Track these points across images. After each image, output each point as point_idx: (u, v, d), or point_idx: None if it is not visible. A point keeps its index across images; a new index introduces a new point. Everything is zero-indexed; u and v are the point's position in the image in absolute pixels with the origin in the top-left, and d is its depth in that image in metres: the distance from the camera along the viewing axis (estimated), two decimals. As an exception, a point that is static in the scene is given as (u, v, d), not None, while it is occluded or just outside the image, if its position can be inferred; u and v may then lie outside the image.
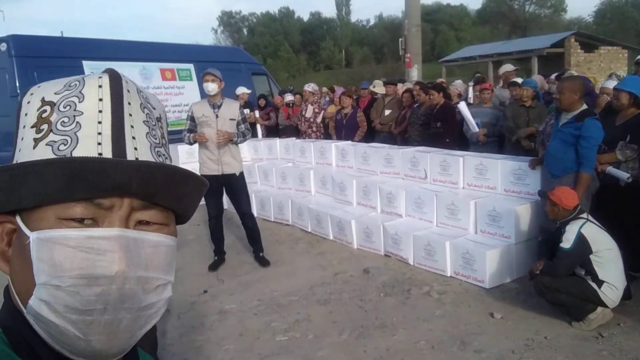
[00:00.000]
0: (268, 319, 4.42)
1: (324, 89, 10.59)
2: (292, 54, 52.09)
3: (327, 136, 9.03)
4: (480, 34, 43.41)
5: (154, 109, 0.72)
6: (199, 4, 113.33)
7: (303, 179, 7.41)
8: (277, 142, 8.43)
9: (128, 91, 0.67)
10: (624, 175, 4.56)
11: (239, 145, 5.56)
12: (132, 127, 0.65)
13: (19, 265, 0.62)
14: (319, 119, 9.19)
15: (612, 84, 5.81)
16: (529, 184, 5.25)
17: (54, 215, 0.60)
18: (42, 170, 0.59)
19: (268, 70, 13.74)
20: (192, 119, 5.41)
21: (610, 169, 4.65)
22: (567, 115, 4.61)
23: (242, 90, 9.80)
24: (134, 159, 0.64)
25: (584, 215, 4.12)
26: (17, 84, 7.71)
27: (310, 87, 9.50)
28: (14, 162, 0.65)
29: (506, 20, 46.72)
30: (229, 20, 61.65)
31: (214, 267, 5.63)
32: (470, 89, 7.32)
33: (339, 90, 10.44)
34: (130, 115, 0.66)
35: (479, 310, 4.45)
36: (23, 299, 0.62)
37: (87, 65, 8.57)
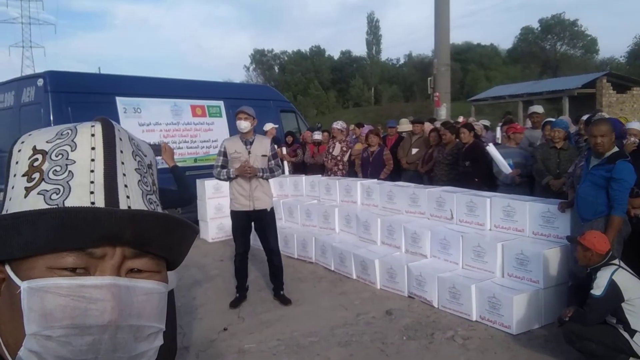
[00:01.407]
0: (287, 360, 4.34)
1: (351, 127, 10.61)
2: (322, 91, 52.69)
3: (352, 174, 9.02)
4: (510, 73, 43.31)
5: (145, 156, 0.72)
6: (232, 42, 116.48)
7: (327, 216, 7.37)
8: (303, 179, 8.45)
9: (120, 139, 0.67)
10: None
11: (269, 181, 5.59)
12: (124, 175, 0.65)
13: (8, 315, 0.61)
14: (346, 157, 9.20)
15: (637, 125, 5.68)
16: (558, 227, 5.11)
17: (45, 264, 0.59)
18: (34, 221, 0.58)
19: (297, 107, 13.90)
20: (224, 154, 5.47)
21: None
22: (598, 157, 4.51)
23: (269, 125, 9.91)
24: (126, 207, 0.63)
25: (616, 261, 3.98)
26: (52, 119, 7.92)
27: (338, 124, 9.55)
28: (4, 211, 0.64)
29: (537, 60, 46.62)
30: (261, 58, 62.90)
31: (235, 304, 5.58)
32: (499, 129, 7.24)
33: (366, 127, 10.47)
34: (123, 163, 0.66)
35: (505, 357, 4.29)
36: (11, 351, 0.61)
37: (120, 101, 8.79)
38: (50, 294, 0.58)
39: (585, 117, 7.21)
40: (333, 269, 6.73)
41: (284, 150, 10.22)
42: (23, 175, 0.64)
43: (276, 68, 62.66)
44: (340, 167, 9.18)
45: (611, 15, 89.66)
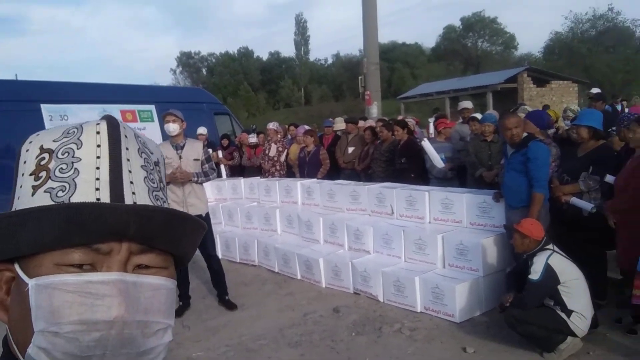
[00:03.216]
0: (238, 365, 4.29)
1: (291, 128, 10.61)
2: (252, 92, 52.32)
3: (290, 174, 9.01)
4: (435, 71, 44.56)
5: (152, 153, 0.72)
6: (157, 45, 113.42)
7: (269, 218, 7.34)
8: (242, 182, 8.36)
9: (126, 137, 0.67)
10: (588, 206, 4.67)
11: (204, 185, 5.49)
12: (130, 171, 0.66)
13: (17, 313, 0.62)
14: (282, 158, 9.19)
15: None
16: (493, 217, 5.32)
17: (52, 261, 0.60)
18: (40, 217, 0.59)
19: (228, 109, 13.73)
20: None
21: (574, 200, 4.77)
22: (513, 146, 4.83)
23: (199, 131, 9.76)
24: (131, 203, 0.64)
25: (550, 246, 4.19)
26: (-28, 128, 7.47)
27: (274, 125, 9.52)
28: (13, 209, 0.64)
29: (460, 57, 48.30)
30: (187, 61, 61.67)
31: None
32: (432, 125, 7.46)
33: (301, 128, 10.49)
34: (128, 160, 0.66)
35: (451, 345, 4.42)
36: (21, 348, 0.61)
37: (45, 108, 8.40)
38: (58, 291, 0.58)
39: (512, 111, 7.54)
40: (277, 271, 6.71)
41: (220, 153, 10.09)
42: (30, 175, 0.64)
43: (204, 70, 61.66)
44: (278, 167, 9.15)
45: (528, 12, 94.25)
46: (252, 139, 10.07)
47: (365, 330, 4.80)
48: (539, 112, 6.48)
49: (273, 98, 54.92)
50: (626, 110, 9.17)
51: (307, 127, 9.94)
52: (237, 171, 10.04)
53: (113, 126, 0.67)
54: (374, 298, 5.48)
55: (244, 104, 49.70)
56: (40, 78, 10.75)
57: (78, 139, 0.65)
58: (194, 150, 5.35)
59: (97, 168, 0.64)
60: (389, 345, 4.48)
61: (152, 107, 10.20)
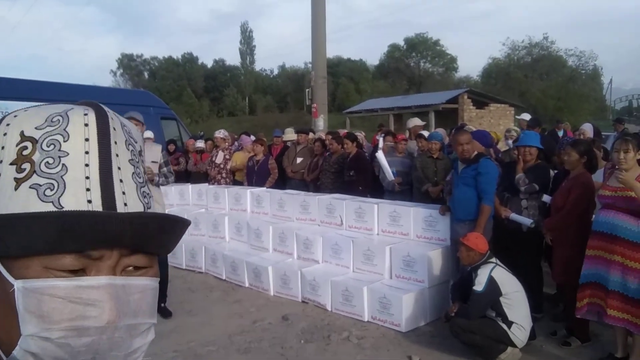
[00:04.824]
0: (187, 371, 4.26)
1: (243, 136, 10.59)
2: (195, 99, 51.58)
3: (235, 182, 9.01)
4: (380, 87, 45.45)
5: (136, 142, 0.69)
6: (96, 46, 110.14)
7: (217, 225, 7.31)
8: (189, 188, 8.29)
9: (114, 129, 0.64)
10: (527, 221, 4.95)
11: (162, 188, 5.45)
12: (119, 168, 0.63)
13: (0, 313, 0.59)
14: (229, 165, 9.18)
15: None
16: (439, 230, 5.53)
17: (41, 264, 0.57)
18: (32, 224, 0.56)
19: (175, 115, 13.55)
20: None
21: (514, 215, 5.04)
22: (464, 162, 5.09)
23: (146, 134, 9.58)
24: (122, 204, 0.61)
25: (493, 259, 4.42)
26: None
27: (221, 133, 9.50)
28: None
29: (403, 75, 49.50)
30: (129, 63, 60.08)
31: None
32: (381, 140, 7.67)
33: (248, 138, 10.51)
34: (117, 155, 0.63)
35: (397, 353, 4.56)
36: (5, 348, 0.59)
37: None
38: (47, 296, 0.56)
39: (454, 130, 7.87)
40: (224, 278, 6.69)
41: (168, 157, 9.93)
42: (11, 164, 0.60)
43: (146, 74, 60.30)
44: (224, 175, 9.12)
45: (469, 36, 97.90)
46: (199, 144, 10.00)
47: (314, 338, 4.87)
48: (482, 131, 6.81)
49: (217, 106, 54.32)
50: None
51: (253, 138, 9.98)
52: (182, 177, 9.91)
53: (102, 117, 0.63)
54: (322, 307, 5.56)
55: (186, 110, 48.85)
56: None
57: (64, 129, 0.61)
58: (153, 153, 5.32)
59: (87, 165, 0.61)
60: (338, 353, 4.57)
61: (96, 108, 9.92)
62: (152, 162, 5.30)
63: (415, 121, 7.98)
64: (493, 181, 4.97)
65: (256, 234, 6.74)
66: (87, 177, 0.60)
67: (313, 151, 8.69)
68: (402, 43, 51.85)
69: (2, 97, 8.52)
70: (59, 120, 0.62)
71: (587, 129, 7.15)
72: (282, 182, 8.77)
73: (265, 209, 7.11)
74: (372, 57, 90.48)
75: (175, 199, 8.29)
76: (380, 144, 7.49)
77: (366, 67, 56.21)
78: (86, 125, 0.62)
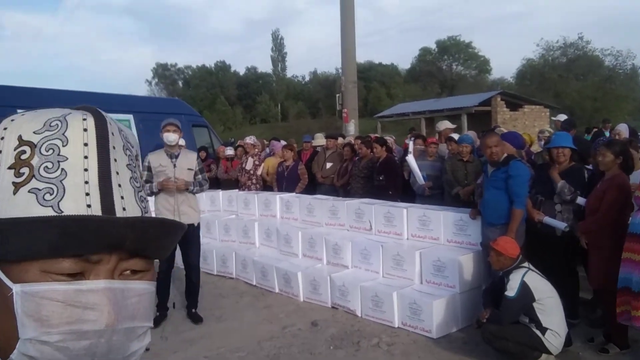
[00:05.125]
0: (216, 376, 4.27)
1: (272, 142, 10.66)
2: (228, 106, 52.27)
3: (266, 188, 9.05)
4: (411, 91, 45.22)
5: (133, 147, 0.70)
6: (132, 56, 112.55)
7: (247, 231, 7.35)
8: (220, 194, 8.37)
9: (112, 134, 0.65)
10: (561, 225, 4.82)
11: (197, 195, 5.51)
12: (117, 173, 0.64)
13: None
14: (259, 171, 9.23)
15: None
16: (470, 235, 5.43)
17: (40, 268, 0.58)
18: (33, 229, 0.57)
19: (206, 122, 13.72)
20: (148, 169, 5.31)
21: (548, 219, 4.91)
22: (494, 164, 4.99)
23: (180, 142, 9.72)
24: (121, 209, 0.62)
25: (526, 264, 4.30)
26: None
27: (251, 139, 9.59)
28: None
29: (435, 79, 49.11)
30: (163, 73, 61.34)
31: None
32: (411, 143, 7.61)
33: (278, 143, 10.56)
34: (115, 160, 0.64)
35: (428, 360, 4.48)
36: (3, 351, 0.59)
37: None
38: (46, 300, 0.57)
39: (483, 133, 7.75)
40: (255, 284, 6.71)
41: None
42: (9, 168, 0.60)
43: (180, 83, 61.40)
44: (254, 181, 9.18)
45: (501, 38, 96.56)
46: (229, 151, 10.08)
47: (344, 344, 4.83)
48: (514, 133, 6.68)
49: (250, 113, 54.92)
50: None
51: (283, 142, 10.02)
52: (213, 183, 10.00)
53: (101, 122, 0.64)
54: (351, 312, 5.52)
55: (220, 117, 49.56)
56: (14, 84, 10.57)
57: (63, 134, 0.62)
58: (188, 160, 5.39)
59: (86, 170, 0.61)
60: (368, 359, 4.52)
61: (130, 117, 10.14)
62: (188, 169, 5.37)
63: (446, 124, 7.88)
64: (524, 184, 4.85)
65: (286, 240, 6.74)
66: (87, 182, 0.61)
67: (342, 156, 8.68)
68: (433, 46, 51.55)
69: (42, 107, 8.71)
70: (57, 124, 0.62)
71: (623, 129, 6.93)
72: (312, 187, 8.78)
73: (294, 215, 7.11)
74: (404, 61, 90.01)
75: (206, 205, 8.37)
76: (411, 148, 7.42)
77: (397, 71, 56.02)
78: (85, 130, 0.62)
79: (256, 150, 9.63)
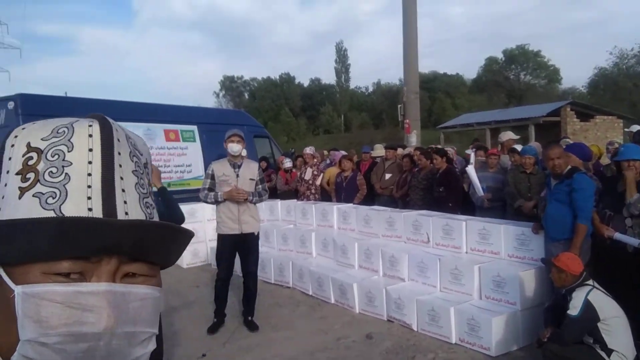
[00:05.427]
0: (269, 385, 4.29)
1: (331, 152, 10.70)
2: (292, 117, 53.02)
3: (324, 198, 9.07)
4: (477, 101, 44.30)
5: (141, 154, 0.70)
6: (201, 69, 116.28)
7: (304, 240, 7.38)
8: (279, 204, 8.46)
9: (118, 140, 0.65)
10: (635, 241, 4.56)
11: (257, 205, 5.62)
12: (121, 178, 0.64)
13: (1, 318, 0.60)
14: (317, 182, 9.28)
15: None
16: (532, 250, 5.24)
17: (40, 269, 0.58)
18: (30, 229, 0.57)
19: (269, 133, 13.94)
20: (212, 177, 5.45)
21: (618, 235, 4.66)
22: (556, 177, 4.81)
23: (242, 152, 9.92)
24: (123, 213, 0.62)
25: (590, 281, 4.09)
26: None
27: (310, 150, 9.68)
28: None
29: (502, 89, 47.88)
30: (230, 85, 63.03)
31: (213, 329, 5.50)
32: (472, 155, 7.44)
33: (338, 153, 10.58)
34: (120, 166, 0.64)
35: (485, 379, 4.33)
36: (4, 353, 0.59)
37: (92, 125, 8.70)
38: (46, 301, 0.57)
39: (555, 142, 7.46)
40: (311, 294, 6.71)
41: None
42: (17, 174, 0.61)
43: (246, 94, 62.84)
44: (313, 191, 9.24)
45: (572, 47, 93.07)
46: (287, 163, 10.17)
47: (399, 358, 4.75)
48: (580, 144, 6.40)
49: (313, 124, 55.46)
50: None
51: (343, 152, 10.03)
52: (273, 194, 10.14)
53: (106, 129, 0.64)
54: (407, 326, 5.42)
55: (284, 128, 50.35)
56: (88, 96, 11.15)
57: (69, 140, 0.62)
58: (250, 170, 5.50)
59: (89, 174, 0.61)
60: (422, 375, 4.43)
61: (194, 128, 10.44)
62: (250, 179, 5.47)
63: (509, 134, 7.65)
64: (589, 198, 4.63)
65: (342, 250, 6.72)
66: (89, 186, 0.61)
67: (402, 167, 8.59)
68: (500, 56, 50.33)
69: (112, 119, 9.16)
70: (64, 131, 0.63)
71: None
72: (371, 198, 8.73)
73: (351, 225, 7.09)
74: (469, 71, 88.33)
75: (265, 214, 8.48)
76: (472, 159, 7.25)
77: (463, 81, 55.08)
78: (90, 136, 0.63)
79: (315, 160, 9.70)
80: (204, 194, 5.45)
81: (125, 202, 0.63)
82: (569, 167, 4.79)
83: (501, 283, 5.05)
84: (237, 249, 5.54)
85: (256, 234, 5.56)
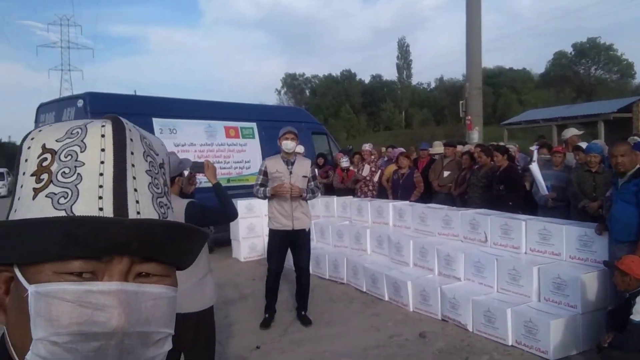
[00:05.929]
0: (319, 380, 4.33)
1: (383, 149, 10.64)
2: (353, 114, 52.96)
3: (382, 196, 9.01)
4: (544, 97, 42.79)
5: (157, 155, 0.70)
6: (264, 67, 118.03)
7: (359, 237, 7.37)
8: (334, 200, 8.48)
9: (131, 140, 0.65)
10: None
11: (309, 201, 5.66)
12: (134, 178, 0.64)
13: (15, 316, 0.60)
14: (375, 178, 9.24)
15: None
16: (595, 252, 5.02)
17: (52, 269, 0.58)
18: (40, 229, 0.58)
19: (329, 130, 13.98)
20: (265, 173, 5.54)
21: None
22: (622, 176, 4.61)
23: (297, 149, 10.00)
24: (135, 213, 0.62)
25: (657, 286, 3.88)
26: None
27: (368, 146, 9.66)
28: (13, 210, 0.64)
29: (571, 84, 46.06)
30: (292, 82, 63.67)
31: (265, 324, 5.58)
32: (535, 152, 7.20)
33: (397, 149, 10.50)
34: (133, 165, 0.64)
35: (542, 383, 4.20)
36: (19, 352, 0.60)
37: (156, 122, 9.01)
38: (57, 300, 0.57)
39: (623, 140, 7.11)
40: (365, 290, 6.70)
41: (315, 171, 10.29)
42: (32, 175, 0.62)
43: (307, 91, 63.31)
44: (370, 187, 9.22)
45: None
46: (345, 162, 10.13)
47: (452, 359, 4.67)
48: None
49: (373, 120, 55.22)
50: None
51: (402, 150, 9.94)
52: (330, 190, 10.17)
53: (119, 129, 0.64)
54: (462, 326, 5.32)
55: (344, 125, 50.39)
56: (157, 94, 11.55)
57: (82, 141, 0.63)
58: (303, 167, 5.55)
59: (101, 174, 0.62)
60: (475, 376, 4.34)
61: (253, 125, 10.63)
62: (303, 176, 5.51)
63: (572, 131, 7.36)
64: None
65: (397, 248, 6.67)
66: (101, 186, 0.61)
67: (461, 164, 8.43)
68: (569, 49, 48.40)
69: (175, 116, 9.48)
70: (77, 132, 0.64)
71: None
72: (428, 196, 8.62)
73: (407, 223, 7.01)
74: (537, 65, 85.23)
75: (320, 210, 8.53)
76: (535, 157, 7.02)
77: (530, 76, 53.29)
78: (103, 136, 0.63)
79: (372, 157, 9.66)
80: (256, 189, 5.54)
81: (137, 202, 0.63)
82: (638, 166, 4.56)
83: (561, 285, 4.88)
84: (289, 244, 5.60)
85: (307, 230, 5.61)
